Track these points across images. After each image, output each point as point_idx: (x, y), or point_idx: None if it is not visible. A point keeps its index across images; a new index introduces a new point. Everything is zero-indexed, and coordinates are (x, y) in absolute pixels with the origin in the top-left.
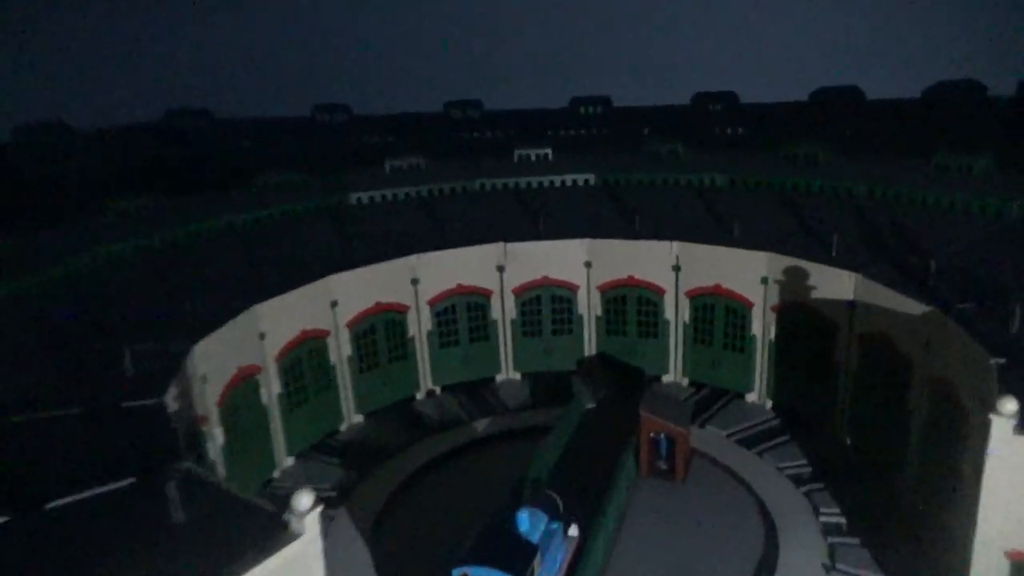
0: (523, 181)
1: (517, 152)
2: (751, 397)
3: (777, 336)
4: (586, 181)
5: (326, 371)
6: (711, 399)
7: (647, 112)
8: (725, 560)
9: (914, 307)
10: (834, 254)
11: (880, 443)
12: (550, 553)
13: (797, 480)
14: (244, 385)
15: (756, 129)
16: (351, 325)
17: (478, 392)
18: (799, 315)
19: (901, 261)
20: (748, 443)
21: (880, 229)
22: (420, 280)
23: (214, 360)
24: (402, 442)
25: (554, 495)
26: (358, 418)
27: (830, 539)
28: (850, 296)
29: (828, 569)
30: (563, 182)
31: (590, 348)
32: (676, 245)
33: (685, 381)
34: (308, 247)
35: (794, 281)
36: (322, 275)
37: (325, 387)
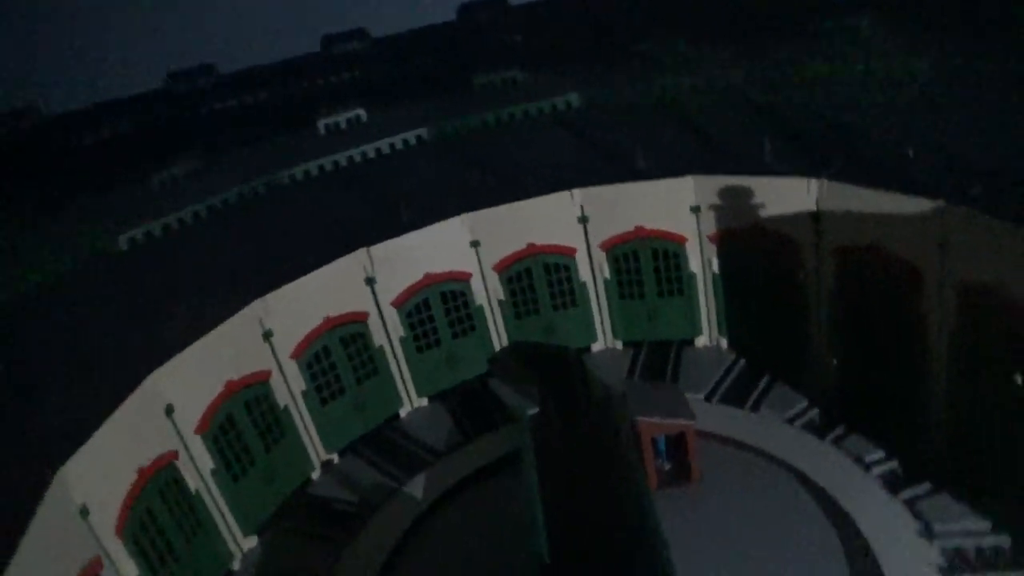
0: (328, 161)
1: (322, 123)
2: (701, 341)
3: (722, 268)
4: (418, 137)
5: (277, 419)
6: (656, 356)
7: (413, 38)
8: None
9: (912, 204)
10: (767, 161)
11: (881, 363)
12: None
13: (812, 428)
14: (162, 473)
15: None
16: (296, 355)
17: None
18: (746, 240)
19: (853, 153)
20: (729, 399)
21: (796, 120)
22: (376, 278)
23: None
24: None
25: None
26: (331, 456)
27: (901, 495)
28: (812, 207)
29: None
30: (392, 145)
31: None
32: (577, 193)
33: (618, 344)
34: (219, 262)
35: (735, 203)
36: (243, 302)
37: (279, 437)
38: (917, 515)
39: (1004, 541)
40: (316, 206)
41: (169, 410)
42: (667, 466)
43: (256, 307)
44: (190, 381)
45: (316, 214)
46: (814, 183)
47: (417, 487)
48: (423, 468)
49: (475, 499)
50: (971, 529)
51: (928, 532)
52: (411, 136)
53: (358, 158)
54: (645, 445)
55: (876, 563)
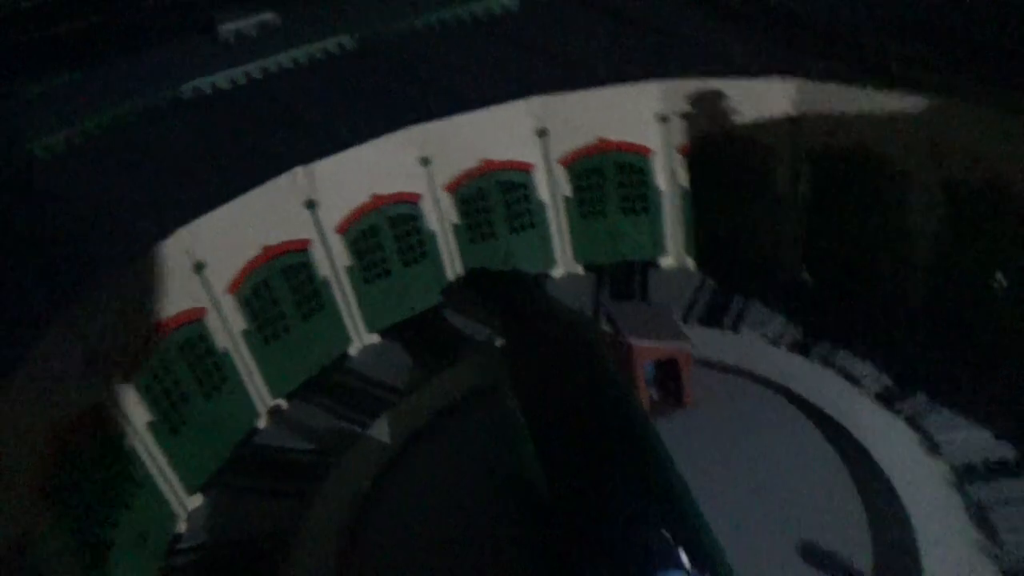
0: (235, 74)
1: (221, 28)
2: (666, 262)
3: (691, 182)
4: (340, 46)
5: (216, 363)
6: (620, 280)
7: None
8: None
9: (900, 101)
10: (740, 62)
11: (860, 274)
12: None
13: (796, 346)
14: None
15: None
16: (234, 289)
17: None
18: (718, 149)
19: (832, 48)
20: (705, 321)
21: (769, 13)
22: (318, 202)
23: None
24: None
25: (666, 536)
26: (279, 402)
27: (899, 407)
28: (790, 109)
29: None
30: (310, 56)
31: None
32: (535, 103)
33: (579, 268)
34: (110, 197)
35: (705, 109)
36: (167, 231)
37: (220, 384)
38: (918, 429)
39: (1008, 451)
40: (229, 125)
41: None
42: (654, 393)
43: (182, 238)
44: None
45: (234, 134)
46: (792, 83)
47: (382, 430)
48: (385, 408)
49: (450, 438)
50: (974, 440)
51: (933, 446)
52: (332, 44)
53: (273, 68)
54: (638, 370)
55: (885, 481)
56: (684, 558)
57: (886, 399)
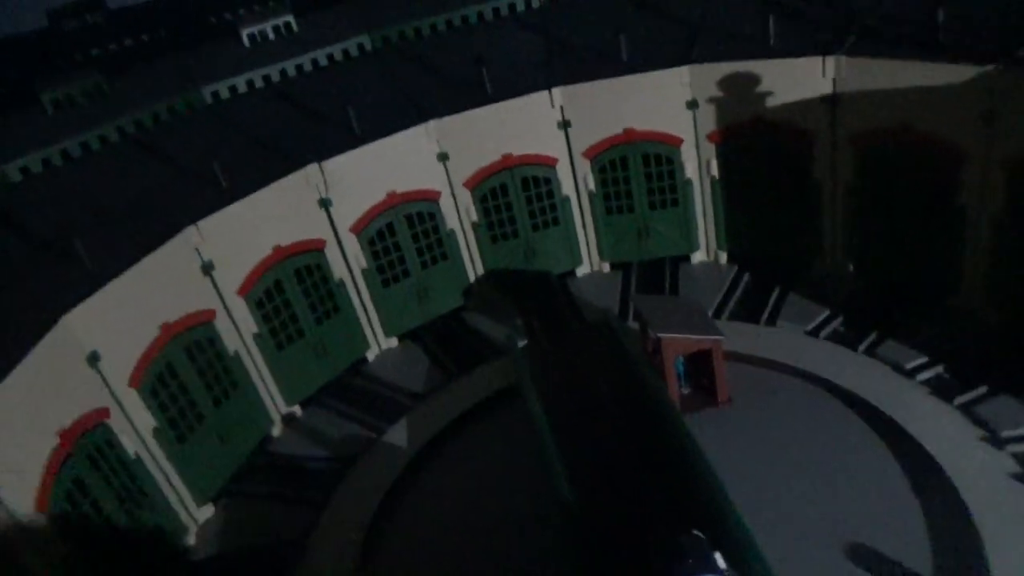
0: (258, 75)
1: (246, 31)
2: (698, 257)
3: (722, 172)
4: (360, 46)
5: (226, 367)
6: (649, 277)
7: None
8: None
9: (951, 73)
10: (772, 43)
11: (909, 261)
12: None
13: (839, 339)
14: (92, 433)
15: None
16: (244, 291)
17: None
18: (751, 137)
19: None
20: (739, 316)
21: None
22: (332, 200)
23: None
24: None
25: (700, 537)
26: (294, 409)
27: (957, 400)
28: (828, 89)
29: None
30: (329, 56)
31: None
32: (557, 93)
33: (605, 267)
34: (136, 188)
35: (737, 94)
36: (176, 228)
37: (230, 389)
38: (978, 422)
39: None
40: (249, 124)
41: (93, 359)
42: (686, 390)
43: (190, 235)
44: (114, 326)
45: (250, 133)
46: (830, 61)
47: (399, 434)
48: (403, 413)
49: (470, 443)
50: None
51: (995, 439)
52: (351, 44)
53: (292, 71)
54: (668, 365)
55: (944, 477)
56: (719, 560)
57: (941, 391)
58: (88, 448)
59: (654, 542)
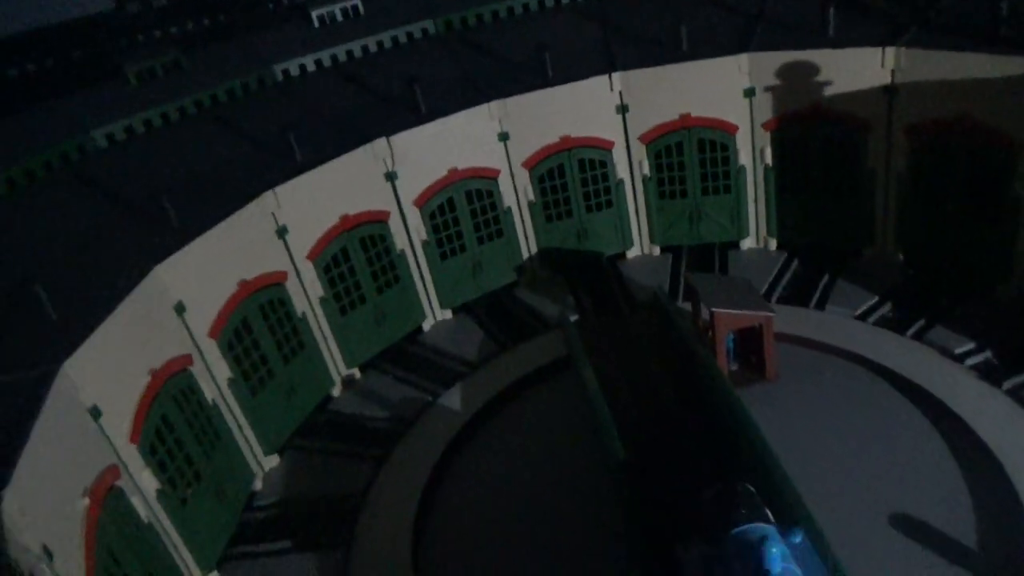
0: (326, 55)
1: (315, 13)
2: (748, 243)
3: (775, 160)
4: (423, 30)
5: (295, 327)
6: (699, 261)
7: None
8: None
9: (1012, 65)
10: (832, 33)
11: (961, 253)
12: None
13: (887, 324)
14: (178, 376)
15: None
16: (313, 255)
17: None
18: (806, 126)
19: (928, 17)
20: (788, 300)
21: None
22: (397, 174)
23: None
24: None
25: (751, 489)
26: (353, 371)
27: (1005, 384)
28: (887, 79)
29: None
30: (394, 39)
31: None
32: (617, 78)
33: (656, 250)
34: (213, 159)
35: (794, 82)
36: (255, 193)
37: (297, 349)
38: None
39: None
40: (318, 101)
41: (180, 309)
42: (735, 366)
43: (267, 200)
44: (197, 280)
45: (320, 109)
46: (890, 52)
47: (454, 399)
48: (458, 379)
49: (523, 408)
50: None
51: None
52: (415, 28)
53: (358, 52)
54: (719, 340)
55: (992, 457)
56: (768, 513)
57: (990, 375)
58: (174, 390)
59: (707, 492)
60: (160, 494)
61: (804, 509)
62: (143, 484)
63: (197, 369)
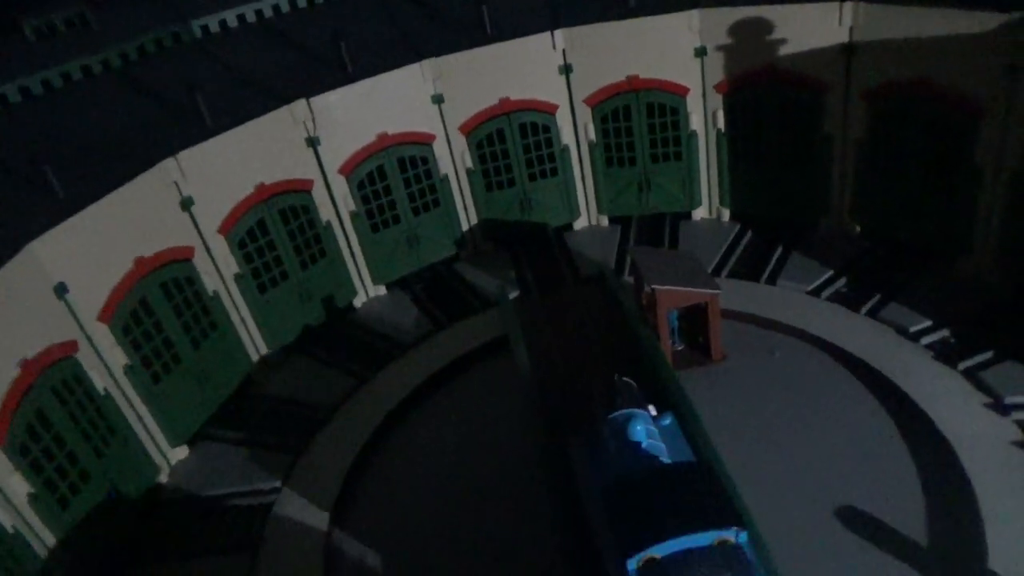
0: (250, 9)
1: None
2: (700, 214)
3: (728, 125)
4: None
5: (205, 308)
6: (648, 233)
7: None
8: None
9: (974, 22)
10: None
11: (921, 222)
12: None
13: (841, 300)
14: (58, 365)
15: None
16: (225, 230)
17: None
18: (761, 88)
19: None
20: (739, 274)
21: None
22: (320, 139)
23: None
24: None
25: (626, 380)
26: (275, 353)
27: (960, 366)
28: (844, 38)
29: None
30: None
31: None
32: (559, 35)
33: (604, 221)
34: (119, 121)
35: (749, 40)
36: (155, 160)
37: (209, 329)
38: (982, 387)
39: None
40: (239, 60)
41: (61, 290)
42: (679, 346)
43: (168, 168)
44: (82, 258)
45: (240, 69)
46: (848, 7)
47: (384, 382)
48: (390, 361)
49: (457, 392)
50: None
51: (999, 406)
52: None
53: (285, 7)
54: (661, 319)
55: (944, 442)
56: (651, 408)
57: (945, 356)
58: (53, 381)
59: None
60: (31, 498)
61: (740, 501)
62: (13, 488)
63: (84, 357)
